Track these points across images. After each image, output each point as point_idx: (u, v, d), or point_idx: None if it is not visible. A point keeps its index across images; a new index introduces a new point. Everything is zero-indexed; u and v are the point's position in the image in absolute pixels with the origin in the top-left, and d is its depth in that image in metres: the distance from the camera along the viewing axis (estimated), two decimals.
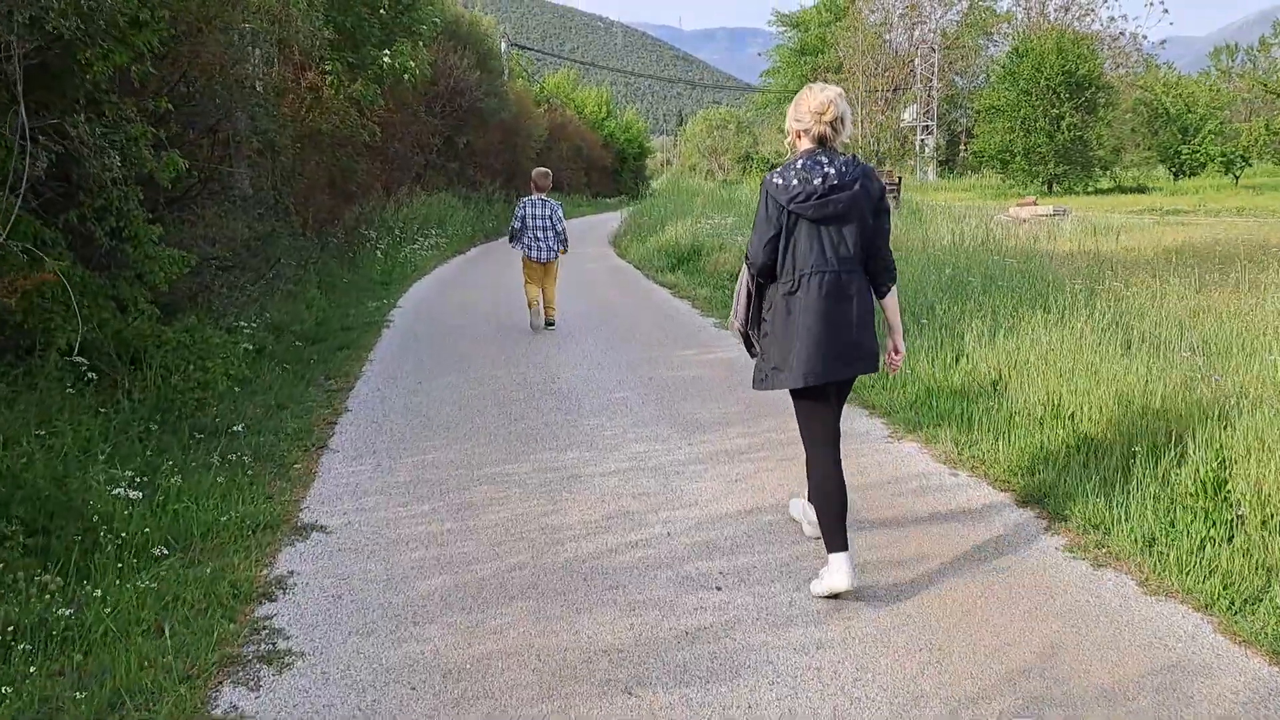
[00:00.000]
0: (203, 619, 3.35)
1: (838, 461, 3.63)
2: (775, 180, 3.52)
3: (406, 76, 15.14)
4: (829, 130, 3.50)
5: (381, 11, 15.11)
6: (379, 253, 15.16)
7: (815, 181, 3.43)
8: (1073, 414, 4.99)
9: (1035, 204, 23.06)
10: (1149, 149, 43.92)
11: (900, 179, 24.48)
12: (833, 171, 3.45)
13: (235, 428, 5.50)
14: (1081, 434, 4.82)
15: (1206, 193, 33.53)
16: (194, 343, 6.87)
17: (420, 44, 16.14)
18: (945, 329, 6.83)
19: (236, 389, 6.31)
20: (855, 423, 5.81)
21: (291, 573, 3.82)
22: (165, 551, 3.84)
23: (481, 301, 11.84)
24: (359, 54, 14.92)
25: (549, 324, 9.35)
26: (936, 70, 49.56)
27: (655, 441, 5.56)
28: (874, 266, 3.59)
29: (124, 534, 3.80)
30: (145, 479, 4.37)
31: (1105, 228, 17.42)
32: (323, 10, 13.65)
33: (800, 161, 3.51)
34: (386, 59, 14.96)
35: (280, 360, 7.59)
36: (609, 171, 52.84)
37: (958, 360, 6.30)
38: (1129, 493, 4.15)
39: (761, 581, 3.67)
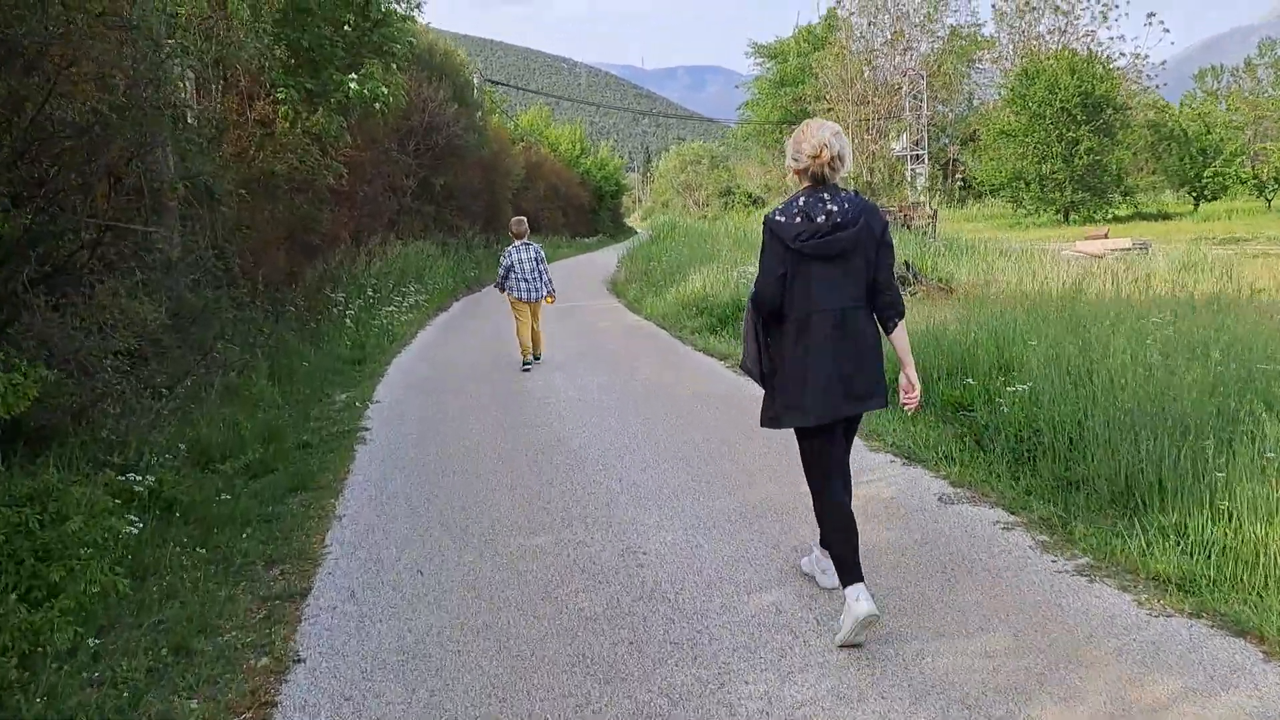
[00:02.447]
0: None
1: (846, 493, 3.64)
2: (779, 218, 3.51)
3: (379, 105, 12.48)
4: (826, 170, 3.48)
5: (347, 27, 12.48)
6: (348, 320, 12.37)
7: (819, 219, 3.44)
8: None
9: (1106, 236, 20.42)
10: (1154, 173, 42.00)
11: (936, 211, 22.04)
12: (835, 209, 3.45)
13: None
14: None
15: (1240, 217, 31.43)
16: (41, 525, 4.12)
17: (394, 67, 13.51)
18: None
19: (93, 640, 3.54)
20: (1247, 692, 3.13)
21: None
22: None
23: (488, 388, 9.11)
24: (319, 78, 12.23)
25: (536, 358, 10.22)
26: (926, 98, 47.79)
27: None
28: (880, 302, 3.57)
29: None
30: None
31: (1194, 264, 15.05)
32: (273, 24, 11.02)
33: (802, 199, 3.51)
34: (353, 85, 12.27)
35: (198, 529, 4.84)
36: (586, 210, 50.61)
37: None
38: None
39: None
